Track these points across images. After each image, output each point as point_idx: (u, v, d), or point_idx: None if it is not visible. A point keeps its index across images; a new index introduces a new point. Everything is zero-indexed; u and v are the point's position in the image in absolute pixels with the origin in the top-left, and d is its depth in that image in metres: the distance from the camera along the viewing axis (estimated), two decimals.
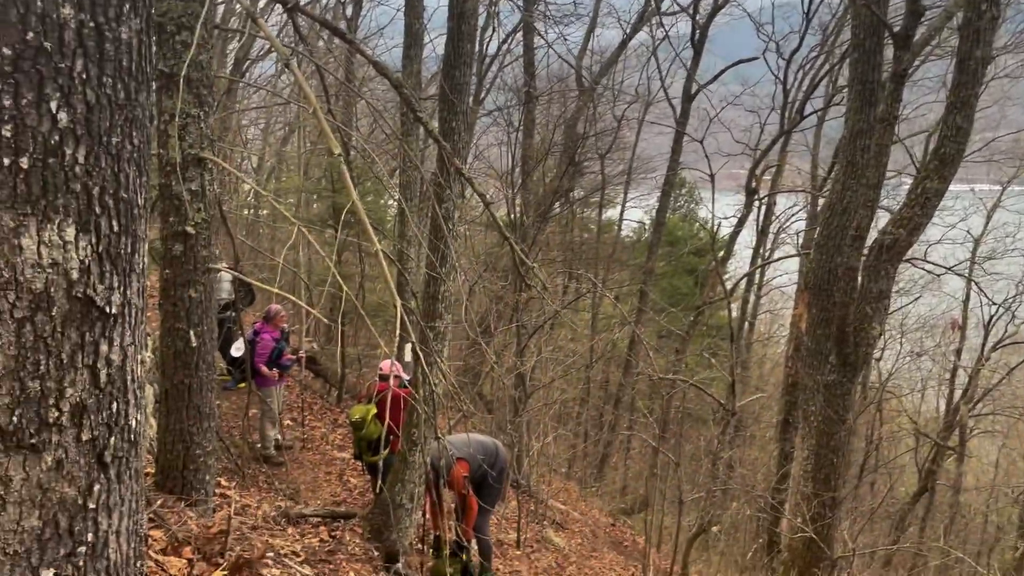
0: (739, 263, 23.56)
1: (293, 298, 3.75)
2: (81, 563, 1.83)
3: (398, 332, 3.11)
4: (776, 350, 25.38)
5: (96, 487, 1.85)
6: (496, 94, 18.04)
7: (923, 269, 16.24)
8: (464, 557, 6.42)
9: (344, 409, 11.17)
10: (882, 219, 11.62)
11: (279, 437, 8.82)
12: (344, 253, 12.61)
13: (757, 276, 22.51)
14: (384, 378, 7.26)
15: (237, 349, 8.98)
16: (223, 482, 5.79)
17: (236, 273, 5.55)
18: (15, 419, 1.69)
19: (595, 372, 17.79)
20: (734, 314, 17.44)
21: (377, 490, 7.01)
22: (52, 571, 1.77)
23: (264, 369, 8.22)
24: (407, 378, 7.28)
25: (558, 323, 14.79)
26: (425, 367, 4.96)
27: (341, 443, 10.05)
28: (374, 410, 7.01)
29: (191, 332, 4.11)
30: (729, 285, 15.79)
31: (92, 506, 1.84)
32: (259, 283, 5.85)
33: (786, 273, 23.63)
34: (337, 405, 11.60)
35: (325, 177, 12.99)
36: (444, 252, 5.73)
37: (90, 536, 1.85)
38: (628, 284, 19.36)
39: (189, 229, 4.02)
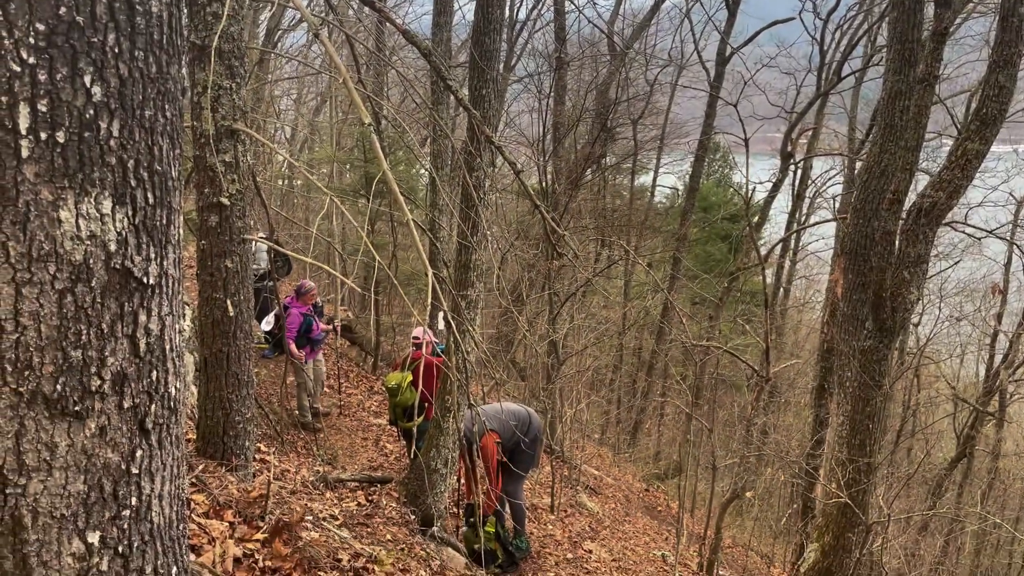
0: (774, 228, 23.28)
1: (327, 267, 3.79)
2: (125, 526, 1.89)
3: (430, 301, 3.13)
4: (811, 316, 25.11)
5: (138, 452, 1.90)
6: (526, 60, 17.90)
7: (963, 232, 15.87)
8: (496, 523, 6.50)
9: (379, 376, 11.32)
10: (921, 182, 11.39)
11: (317, 405, 8.96)
12: (376, 223, 12.66)
13: (792, 241, 22.23)
14: (418, 346, 7.34)
15: (267, 323, 9.08)
16: (262, 448, 5.92)
17: (272, 243, 5.61)
18: (59, 387, 1.75)
19: (628, 339, 17.78)
20: (768, 280, 17.27)
21: (412, 455, 7.12)
22: (98, 534, 1.84)
23: (293, 347, 8.26)
24: (441, 345, 7.34)
25: (590, 290, 14.78)
26: (457, 335, 5.00)
27: (377, 409, 10.20)
28: (409, 377, 7.10)
29: (228, 302, 4.17)
30: (764, 251, 15.60)
31: (135, 471, 1.90)
32: (294, 253, 5.91)
33: (822, 238, 23.29)
34: (372, 372, 11.76)
35: (357, 147, 13.01)
36: (475, 221, 5.73)
37: (133, 500, 1.90)
38: (661, 251, 19.23)
39: (224, 200, 4.07)
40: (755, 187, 17.16)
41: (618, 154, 20.03)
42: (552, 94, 16.44)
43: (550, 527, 8.34)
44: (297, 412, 8.74)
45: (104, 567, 1.84)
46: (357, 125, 13.83)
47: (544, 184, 15.63)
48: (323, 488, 5.48)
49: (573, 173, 15.86)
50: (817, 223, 21.03)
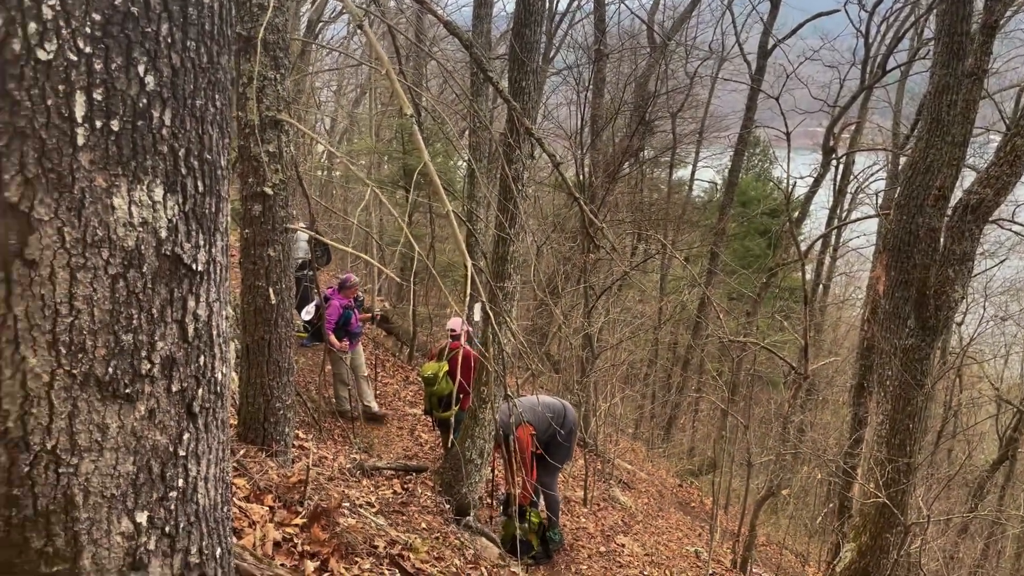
0: (814, 224, 22.93)
1: (367, 257, 3.83)
2: (172, 507, 1.93)
3: (468, 291, 3.15)
4: (851, 313, 24.71)
5: (185, 436, 1.94)
6: (565, 53, 17.81)
7: (1010, 231, 15.50)
8: (532, 514, 6.52)
9: (415, 366, 11.40)
10: (967, 178, 11.13)
11: (371, 404, 8.91)
12: (414, 214, 12.74)
13: (833, 237, 21.89)
14: (455, 336, 7.38)
15: (307, 312, 9.14)
16: (300, 435, 6.00)
17: (313, 233, 5.68)
18: (111, 370, 1.79)
19: (663, 334, 17.67)
20: (808, 276, 17.03)
21: (447, 445, 7.17)
22: (146, 514, 1.88)
23: (332, 338, 8.29)
24: (477, 336, 7.37)
25: (626, 284, 14.71)
26: (495, 325, 5.02)
27: (412, 399, 10.27)
28: (445, 367, 7.14)
29: (270, 290, 4.24)
30: (804, 246, 15.39)
31: (182, 453, 1.94)
32: (334, 242, 5.97)
33: (863, 235, 22.89)
34: (408, 363, 11.84)
35: (396, 139, 13.09)
36: (513, 212, 5.74)
37: (180, 482, 1.94)
38: (698, 245, 19.07)
39: (267, 190, 4.13)
40: (796, 182, 16.94)
41: (656, 147, 19.88)
42: (591, 86, 16.35)
43: (583, 520, 8.34)
44: (334, 401, 8.84)
45: (152, 546, 1.88)
46: (396, 117, 13.91)
47: (581, 177, 15.57)
48: (360, 476, 5.54)
49: (611, 166, 15.79)
50: (859, 219, 20.69)
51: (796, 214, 17.10)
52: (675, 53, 18.11)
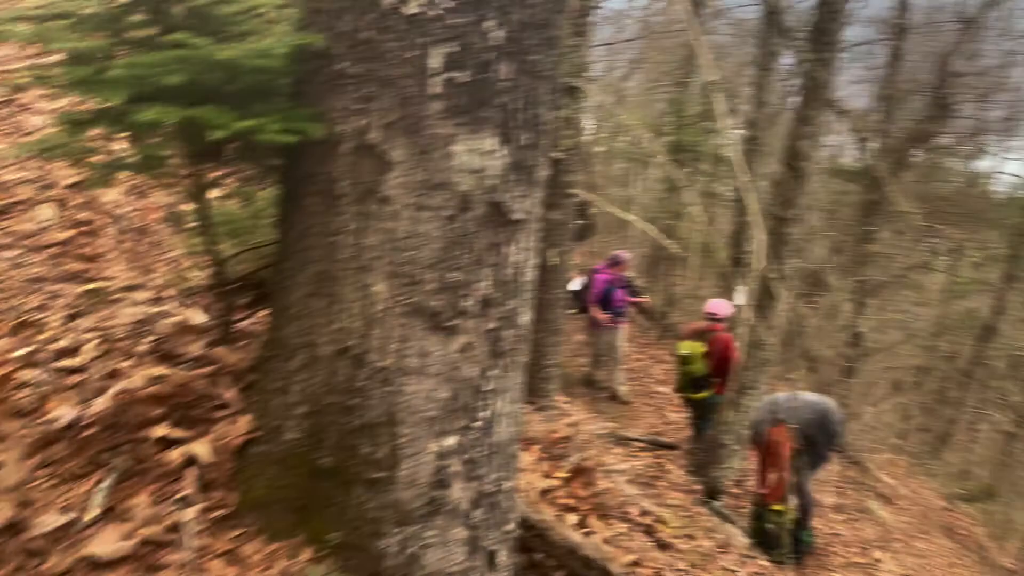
0: None
1: (645, 225, 3.84)
2: (475, 436, 2.08)
3: (754, 267, 3.05)
4: None
5: (492, 372, 2.08)
6: (856, 28, 16.46)
7: None
8: (785, 510, 6.24)
9: (665, 345, 11.31)
10: None
11: (621, 388, 8.82)
12: (683, 191, 12.54)
13: None
14: (714, 319, 7.19)
15: (573, 284, 9.07)
16: (558, 398, 6.20)
17: (596, 200, 5.72)
18: (438, 304, 1.96)
19: (944, 341, 15.98)
20: None
21: (697, 427, 7.06)
22: (455, 438, 2.04)
23: (595, 311, 8.29)
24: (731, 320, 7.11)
25: (906, 283, 13.47)
26: (764, 311, 4.83)
27: (662, 377, 10.22)
28: (702, 347, 7.00)
29: (552, 252, 4.40)
30: None
31: (489, 388, 2.08)
32: (616, 210, 6.01)
33: None
34: (658, 341, 11.77)
35: (668, 113, 12.93)
36: (794, 192, 5.45)
37: (484, 413, 2.09)
38: (997, 246, 16.90)
39: (559, 154, 4.27)
40: None
41: (956, 134, 17.81)
42: (887, 64, 14.95)
43: (835, 527, 7.85)
44: (588, 371, 8.96)
45: (458, 468, 2.05)
46: (669, 91, 13.73)
47: (868, 161, 14.39)
48: (613, 443, 5.63)
49: (900, 152, 14.43)
50: None
51: None
52: (987, 29, 16.05)
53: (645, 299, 9.40)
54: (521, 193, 2.02)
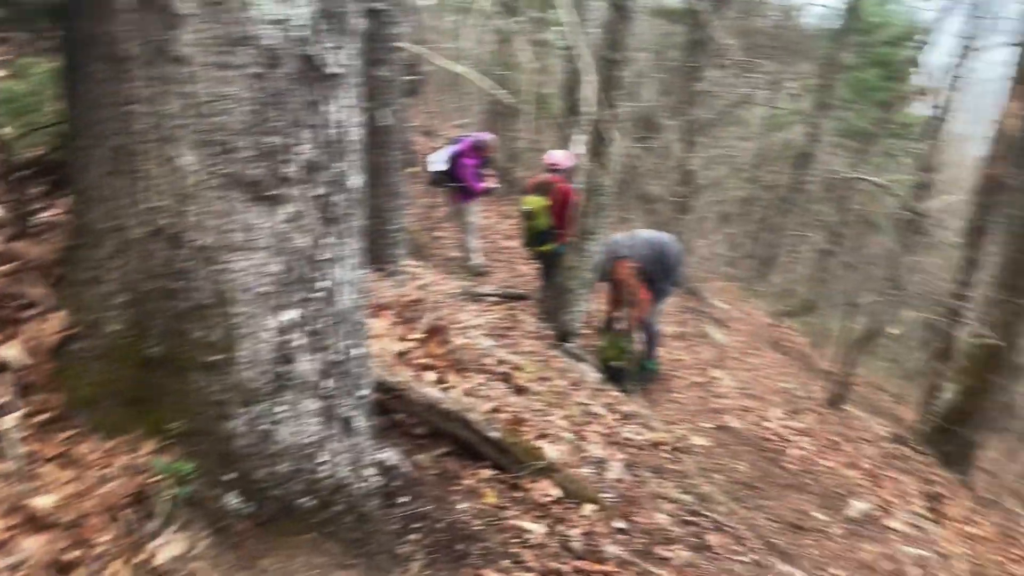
0: (941, 53, 21.07)
1: (480, 80, 3.73)
2: (316, 307, 2.01)
3: (578, 119, 3.04)
4: (973, 151, 23.11)
5: (327, 240, 1.99)
6: None
7: None
8: (627, 343, 6.63)
9: (509, 201, 11.42)
10: None
11: (474, 258, 8.73)
12: (513, 42, 12.28)
13: (958, 68, 20.13)
14: (555, 170, 7.26)
15: (436, 163, 8.66)
16: (407, 263, 6.15)
17: (426, 53, 5.45)
18: (256, 172, 1.82)
19: (765, 173, 17.03)
20: (928, 111, 15.91)
21: (547, 277, 7.26)
22: (295, 312, 1.96)
23: (476, 185, 8.05)
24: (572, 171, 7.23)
25: (730, 120, 14.09)
26: (601, 156, 4.91)
27: (509, 233, 10.36)
28: (545, 201, 7.09)
29: (384, 111, 4.20)
30: (926, 78, 14.26)
31: (325, 257, 1.99)
32: (446, 62, 5.78)
33: (994, 64, 20.96)
34: (504, 197, 11.85)
35: None
36: (620, 35, 5.43)
37: (324, 283, 2.01)
38: (811, 77, 17.88)
39: (379, 4, 4.00)
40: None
41: None
42: None
43: (678, 352, 8.46)
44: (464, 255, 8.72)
45: (302, 341, 1.98)
46: None
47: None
48: (466, 300, 5.71)
49: None
50: (990, 48, 18.85)
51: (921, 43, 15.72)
52: None
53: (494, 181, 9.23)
54: (334, 44, 1.87)
